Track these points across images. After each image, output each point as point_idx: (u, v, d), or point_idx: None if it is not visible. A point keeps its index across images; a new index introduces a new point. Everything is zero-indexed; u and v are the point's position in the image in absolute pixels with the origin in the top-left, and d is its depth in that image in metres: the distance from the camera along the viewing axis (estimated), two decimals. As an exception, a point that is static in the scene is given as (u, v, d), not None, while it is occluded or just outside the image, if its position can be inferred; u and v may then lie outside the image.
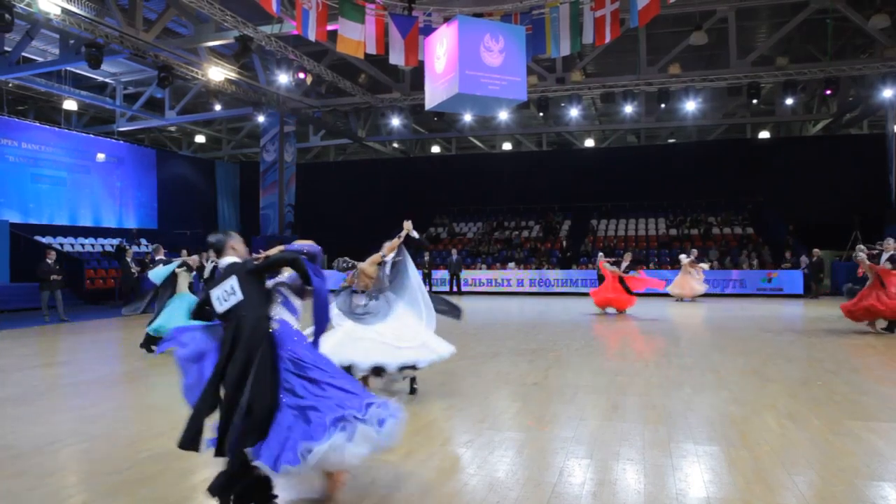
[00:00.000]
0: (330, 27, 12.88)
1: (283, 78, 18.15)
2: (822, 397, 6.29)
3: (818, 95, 22.72)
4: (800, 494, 3.83)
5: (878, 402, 6.11)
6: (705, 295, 19.08)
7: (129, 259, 16.62)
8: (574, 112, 21.02)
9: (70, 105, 23.11)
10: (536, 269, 23.52)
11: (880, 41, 17.47)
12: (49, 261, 14.37)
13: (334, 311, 6.10)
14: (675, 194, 26.82)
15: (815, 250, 19.96)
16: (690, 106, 19.95)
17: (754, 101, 19.63)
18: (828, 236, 22.75)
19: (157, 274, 9.51)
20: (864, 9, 17.26)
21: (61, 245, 20.88)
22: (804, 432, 5.09)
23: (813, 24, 18.12)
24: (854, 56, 19.64)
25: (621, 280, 14.98)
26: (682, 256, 19.29)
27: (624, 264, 15.15)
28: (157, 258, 10.70)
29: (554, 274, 22.83)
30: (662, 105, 19.76)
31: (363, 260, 6.71)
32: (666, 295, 18.54)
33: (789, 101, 19.60)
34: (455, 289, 21.98)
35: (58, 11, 13.89)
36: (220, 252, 3.90)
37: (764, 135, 27.86)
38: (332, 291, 5.76)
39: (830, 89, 18.47)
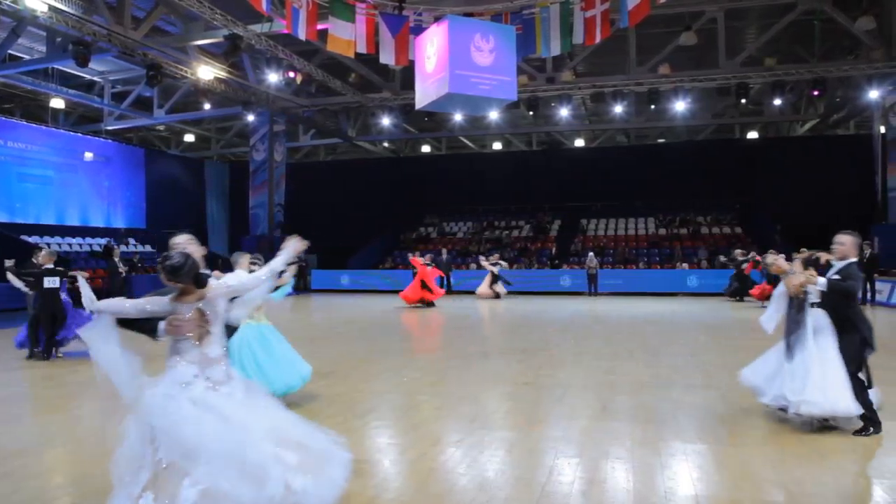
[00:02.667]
0: (320, 26, 12.82)
1: (273, 77, 18.09)
2: (809, 396, 6.32)
3: (806, 96, 22.86)
4: (787, 492, 3.86)
5: (864, 401, 6.15)
6: (696, 294, 19.20)
7: (116, 259, 16.50)
8: (564, 112, 21.08)
9: (57, 103, 22.90)
10: (527, 268, 23.57)
11: (866, 43, 17.63)
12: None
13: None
14: (665, 194, 26.95)
15: (803, 250, 20.11)
16: (680, 106, 20.07)
17: (743, 102, 19.77)
18: (815, 236, 22.88)
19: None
20: (851, 11, 17.43)
21: (48, 245, 20.68)
22: (792, 430, 5.13)
23: (800, 26, 18.27)
24: (841, 57, 19.82)
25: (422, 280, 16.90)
26: (482, 258, 20.96)
27: (424, 260, 17.47)
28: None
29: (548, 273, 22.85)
30: (652, 105, 19.86)
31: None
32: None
33: (777, 102, 19.76)
34: (446, 288, 21.96)
35: (44, 9, 13.76)
36: None
37: (752, 135, 28.05)
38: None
39: (818, 90, 18.64)
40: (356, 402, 6.34)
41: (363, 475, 4.26)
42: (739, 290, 17.53)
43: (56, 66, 20.19)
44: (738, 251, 18.52)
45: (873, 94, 18.89)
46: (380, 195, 29.65)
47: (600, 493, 3.89)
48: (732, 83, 18.87)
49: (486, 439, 4.99)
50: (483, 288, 19.88)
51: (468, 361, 8.60)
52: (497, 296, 19.66)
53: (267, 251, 24.19)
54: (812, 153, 25.13)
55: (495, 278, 19.87)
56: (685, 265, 21.90)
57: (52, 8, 13.88)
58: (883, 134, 20.05)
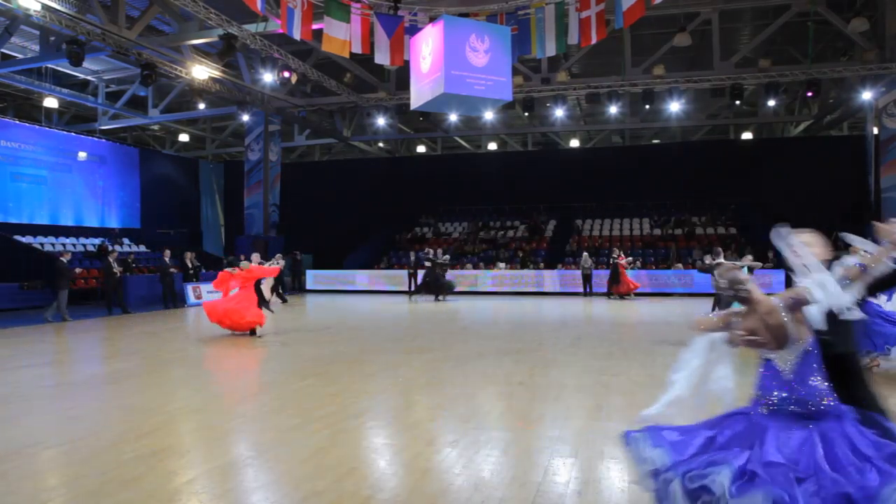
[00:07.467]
0: (315, 26, 12.81)
1: (268, 77, 18.04)
2: (803, 395, 6.36)
3: (800, 97, 23.00)
4: (781, 491, 3.87)
5: (857, 400, 6.19)
6: (692, 294, 19.25)
7: (111, 259, 16.44)
8: (559, 112, 21.09)
9: (51, 103, 22.76)
10: (522, 268, 23.59)
11: (860, 44, 17.72)
12: (64, 260, 14.91)
13: None
14: (660, 195, 27.01)
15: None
16: (674, 107, 20.10)
17: (737, 103, 19.82)
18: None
19: None
20: (844, 12, 17.51)
21: (41, 245, 20.59)
22: (785, 430, 5.14)
23: (794, 27, 18.33)
24: (834, 59, 19.90)
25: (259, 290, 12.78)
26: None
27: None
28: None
29: (549, 274, 22.85)
30: (647, 106, 19.88)
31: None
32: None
33: (771, 103, 19.82)
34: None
35: (38, 7, 13.68)
36: None
37: (747, 136, 28.15)
38: None
39: (812, 91, 18.70)
40: (350, 402, 6.34)
41: (358, 476, 4.27)
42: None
43: (50, 66, 20.09)
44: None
45: (866, 95, 18.97)
46: (375, 195, 29.60)
47: (595, 493, 3.90)
48: (727, 84, 18.91)
49: (481, 439, 4.99)
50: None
51: (463, 361, 8.60)
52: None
53: (262, 252, 24.25)
54: (806, 154, 25.20)
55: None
56: (679, 265, 21.98)
57: (45, 7, 13.80)
58: (876, 135, 20.13)
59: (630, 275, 20.51)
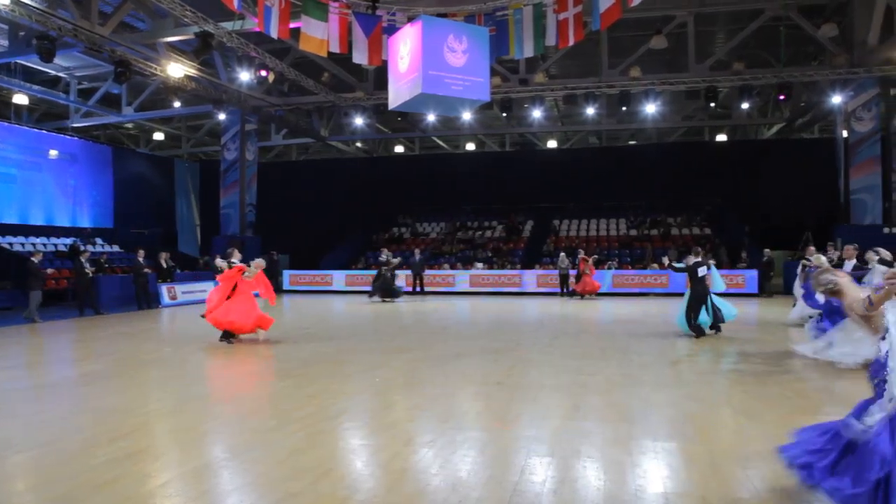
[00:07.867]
0: (293, 25, 12.72)
1: (245, 75, 17.89)
2: (775, 394, 6.48)
3: (772, 100, 23.41)
4: (753, 488, 3.94)
5: (826, 397, 6.33)
6: (668, 294, 19.50)
7: (83, 259, 16.15)
8: (537, 113, 21.21)
9: (21, 99, 22.30)
10: (500, 268, 23.67)
11: (829, 49, 18.10)
12: (35, 260, 14.63)
13: None
14: (636, 195, 27.31)
15: (766, 250, 20.59)
16: (650, 108, 20.32)
17: (712, 105, 20.11)
18: (782, 237, 23.49)
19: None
20: (815, 18, 17.89)
21: (10, 244, 20.14)
22: (758, 428, 5.24)
23: (767, 31, 18.68)
24: (805, 63, 20.29)
25: None
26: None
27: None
28: None
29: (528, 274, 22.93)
30: (623, 107, 20.08)
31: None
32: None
33: (745, 106, 20.14)
34: (418, 288, 21.93)
35: (6, 2, 13.36)
36: None
37: (721, 138, 28.56)
38: None
39: (783, 94, 19.05)
40: (328, 403, 6.30)
41: (334, 477, 4.25)
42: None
43: (20, 61, 19.67)
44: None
45: (836, 99, 19.37)
46: (352, 195, 29.48)
47: (572, 491, 3.92)
48: (701, 86, 19.19)
49: (458, 439, 5.00)
50: None
51: (441, 361, 8.61)
52: None
53: (239, 251, 23.95)
54: (779, 156, 25.67)
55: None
56: (655, 265, 22.22)
57: (14, 1, 13.50)
58: (845, 138, 20.55)
59: (608, 275, 20.72)
